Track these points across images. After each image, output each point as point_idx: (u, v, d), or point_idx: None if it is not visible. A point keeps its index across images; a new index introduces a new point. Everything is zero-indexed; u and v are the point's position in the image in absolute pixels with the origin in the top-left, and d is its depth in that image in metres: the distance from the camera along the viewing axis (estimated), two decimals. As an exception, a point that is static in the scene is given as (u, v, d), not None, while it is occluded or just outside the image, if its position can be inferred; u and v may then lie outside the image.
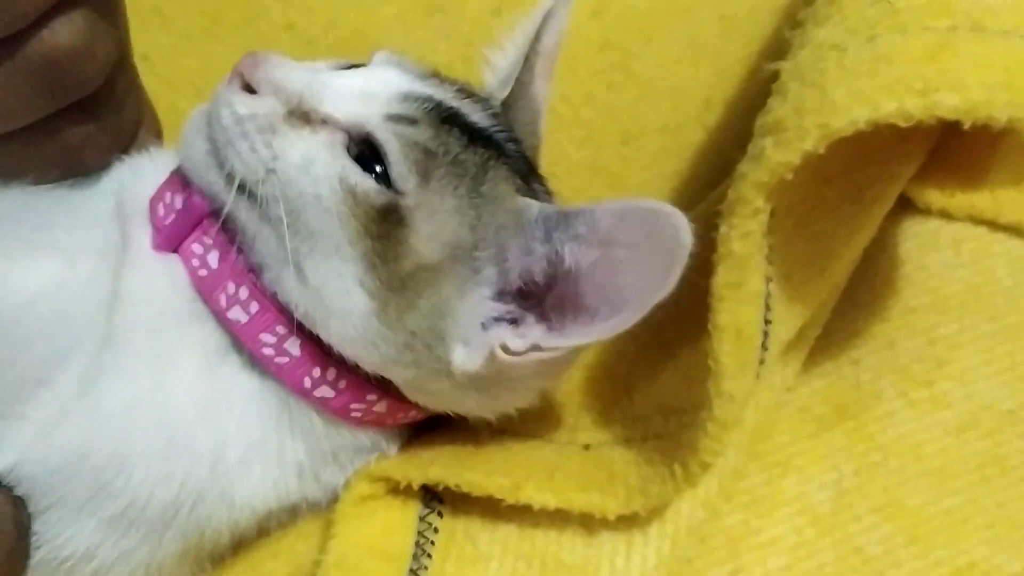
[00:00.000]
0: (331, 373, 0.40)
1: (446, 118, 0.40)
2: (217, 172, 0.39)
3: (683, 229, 0.34)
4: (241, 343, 0.40)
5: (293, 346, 0.40)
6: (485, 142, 0.41)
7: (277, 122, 0.39)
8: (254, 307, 0.40)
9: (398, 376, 0.41)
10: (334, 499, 0.44)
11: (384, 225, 0.38)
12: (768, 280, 0.39)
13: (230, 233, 0.40)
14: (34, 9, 0.36)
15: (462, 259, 0.39)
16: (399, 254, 0.38)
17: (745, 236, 0.35)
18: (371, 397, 0.41)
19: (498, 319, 0.40)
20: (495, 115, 0.44)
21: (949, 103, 0.31)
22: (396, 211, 0.38)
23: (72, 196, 0.43)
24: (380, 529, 0.43)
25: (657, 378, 0.46)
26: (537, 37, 0.48)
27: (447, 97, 0.42)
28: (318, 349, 0.40)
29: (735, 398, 0.37)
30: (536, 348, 0.39)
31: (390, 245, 0.38)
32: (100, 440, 0.39)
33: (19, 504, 0.39)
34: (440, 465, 0.43)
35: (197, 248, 0.41)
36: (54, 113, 0.40)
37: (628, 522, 0.42)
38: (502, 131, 0.43)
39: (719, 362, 0.37)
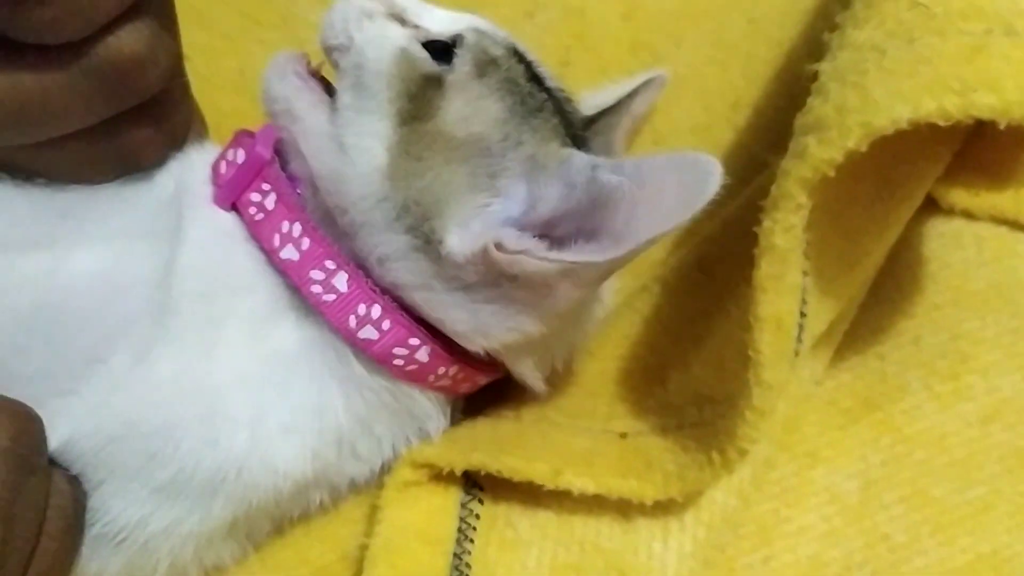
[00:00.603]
0: (376, 311, 0.41)
1: (521, 58, 0.44)
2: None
3: (716, 178, 0.36)
4: (291, 282, 0.42)
5: (340, 282, 0.41)
6: (548, 94, 0.44)
7: (376, 13, 0.43)
8: (305, 243, 0.41)
9: (401, 265, 0.41)
10: (371, 479, 0.46)
11: (424, 89, 0.42)
12: (804, 274, 0.40)
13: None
14: (103, 16, 0.38)
15: (484, 156, 0.41)
16: (426, 115, 0.41)
17: (787, 230, 0.36)
18: (414, 341, 0.42)
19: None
20: (562, 89, 0.46)
21: (986, 103, 0.33)
22: (439, 81, 0.42)
23: (125, 190, 0.44)
24: (424, 514, 0.45)
25: (690, 369, 0.48)
26: (632, 96, 0.53)
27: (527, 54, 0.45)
28: (364, 285, 0.41)
29: (773, 387, 0.39)
30: (528, 254, 0.39)
31: (422, 106, 0.42)
32: (149, 409, 0.40)
33: (75, 482, 0.40)
34: (481, 451, 0.45)
35: (255, 196, 0.43)
36: (115, 116, 0.41)
37: (664, 509, 0.44)
38: (566, 96, 0.46)
39: (760, 352, 0.38)
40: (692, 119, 0.58)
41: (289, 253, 0.42)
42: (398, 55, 0.42)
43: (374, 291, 0.41)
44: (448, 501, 0.46)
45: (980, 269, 0.51)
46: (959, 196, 0.51)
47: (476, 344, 0.42)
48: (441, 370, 0.43)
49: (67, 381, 0.40)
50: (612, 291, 0.50)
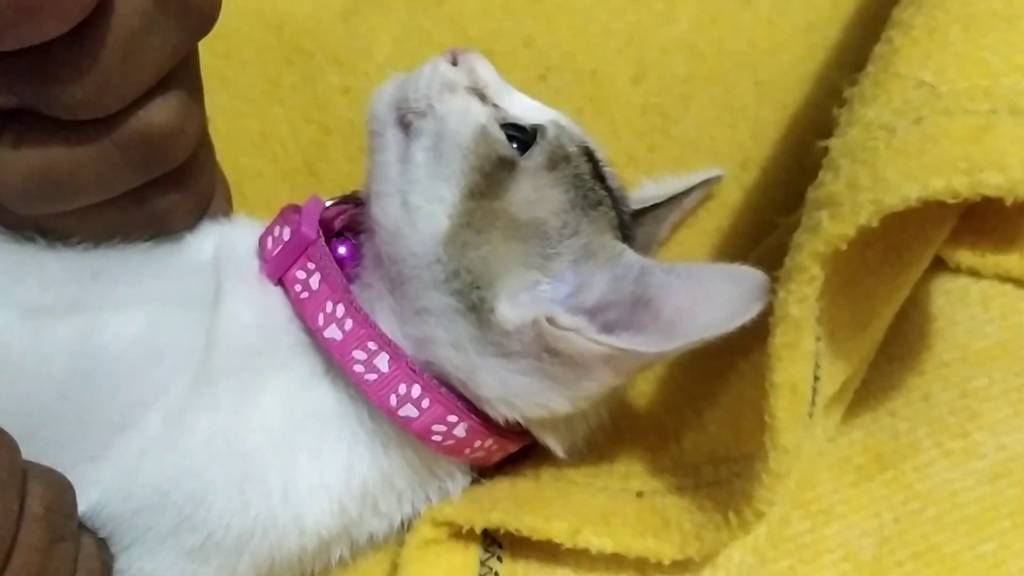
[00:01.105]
0: (416, 390, 0.42)
1: (591, 156, 0.46)
2: (391, 113, 0.46)
3: (766, 293, 0.39)
4: (334, 361, 0.43)
5: (382, 362, 0.42)
6: (608, 191, 0.46)
7: (459, 86, 0.45)
8: (348, 324, 0.43)
9: (438, 321, 0.43)
10: (391, 535, 0.47)
11: (497, 169, 0.43)
12: (817, 339, 0.41)
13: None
14: (134, 92, 0.39)
15: (541, 239, 0.43)
16: (494, 194, 0.43)
17: (801, 301, 0.37)
18: (452, 418, 0.43)
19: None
20: (621, 188, 0.48)
21: (993, 182, 0.34)
22: (512, 165, 0.44)
23: (158, 250, 0.46)
24: (444, 572, 0.46)
25: (706, 428, 0.49)
26: (687, 192, 0.55)
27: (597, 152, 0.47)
28: (404, 366, 0.43)
29: (789, 450, 0.40)
30: (579, 332, 0.41)
31: (492, 184, 0.43)
32: (180, 475, 0.41)
33: (103, 545, 0.41)
34: (501, 510, 0.46)
35: (300, 274, 0.44)
36: (144, 183, 0.42)
37: (682, 568, 0.44)
38: (623, 194, 0.48)
39: (775, 417, 0.39)
40: (702, 180, 0.59)
41: (332, 333, 0.43)
42: (479, 132, 0.44)
43: (414, 371, 0.43)
44: (468, 559, 0.46)
45: (987, 326, 0.52)
46: (965, 256, 0.52)
47: (498, 412, 0.43)
48: (477, 443, 0.45)
49: (98, 446, 0.41)
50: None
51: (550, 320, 0.41)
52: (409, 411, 0.42)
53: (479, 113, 0.45)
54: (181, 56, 0.40)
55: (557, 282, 0.42)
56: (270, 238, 0.46)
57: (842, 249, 0.36)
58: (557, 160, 0.45)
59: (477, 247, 0.42)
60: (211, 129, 0.47)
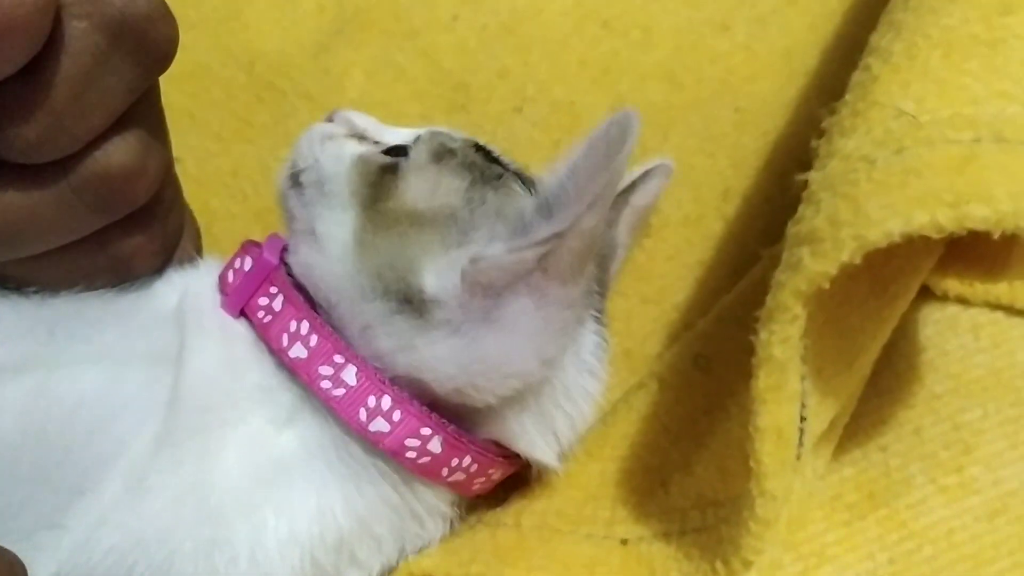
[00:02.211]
0: (386, 402, 0.41)
1: (480, 149, 0.47)
2: (287, 182, 0.47)
3: (634, 125, 0.39)
4: (301, 379, 0.42)
5: (349, 375, 0.41)
6: (508, 171, 0.46)
7: (337, 135, 0.47)
8: (313, 339, 0.42)
9: (382, 330, 0.42)
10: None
11: (382, 178, 0.45)
12: (803, 379, 0.40)
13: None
14: (90, 133, 0.37)
15: (451, 220, 0.43)
16: (387, 197, 0.44)
17: (784, 341, 0.36)
18: (425, 431, 0.41)
19: None
20: (525, 172, 0.48)
21: (979, 215, 0.33)
22: (395, 168, 0.45)
23: (120, 300, 0.44)
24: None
25: (692, 470, 0.47)
26: (631, 188, 0.54)
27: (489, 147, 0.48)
28: (373, 377, 0.41)
29: (777, 496, 0.38)
30: (499, 256, 0.40)
31: (381, 189, 0.44)
32: (145, 543, 0.39)
33: None
34: (481, 563, 0.44)
35: (263, 300, 0.44)
36: (105, 226, 0.41)
37: (672, 613, 0.43)
38: (530, 179, 0.47)
39: (761, 462, 0.38)
40: (682, 210, 0.58)
41: (298, 351, 0.42)
42: (356, 161, 0.45)
43: (383, 382, 0.41)
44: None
45: (978, 356, 0.51)
46: (953, 285, 0.51)
47: (472, 399, 0.42)
48: (455, 462, 0.43)
49: (54, 513, 0.39)
50: (604, 365, 0.48)
51: (473, 261, 0.40)
52: (380, 425, 0.41)
53: (354, 147, 0.47)
54: (138, 94, 0.39)
55: (474, 245, 0.42)
56: (231, 272, 0.45)
57: (824, 287, 0.35)
58: (441, 154, 0.45)
59: (388, 244, 0.43)
60: (180, 170, 0.46)
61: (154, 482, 0.40)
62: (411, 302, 0.41)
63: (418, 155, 0.45)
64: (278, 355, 0.43)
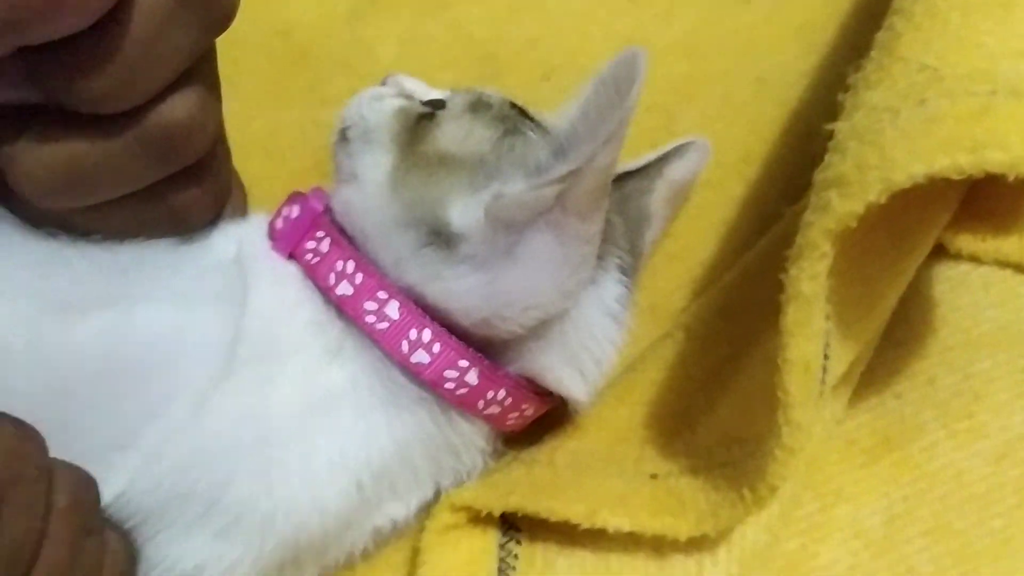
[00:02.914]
0: (426, 335, 0.44)
1: (516, 107, 0.49)
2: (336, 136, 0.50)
3: (641, 61, 0.40)
4: (347, 315, 0.45)
5: (392, 309, 0.44)
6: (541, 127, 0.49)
7: (385, 95, 0.50)
8: (359, 278, 0.45)
9: (413, 261, 0.44)
10: (409, 519, 0.48)
11: (419, 124, 0.48)
12: (827, 318, 0.42)
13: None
14: (155, 87, 0.40)
15: (480, 164, 0.45)
16: (423, 140, 0.47)
17: (813, 278, 0.39)
18: (463, 363, 0.44)
19: None
20: None
21: (996, 159, 0.35)
22: (432, 117, 0.48)
23: (182, 250, 0.47)
24: (465, 557, 0.47)
25: (717, 412, 0.50)
26: (663, 160, 0.55)
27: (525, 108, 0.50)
28: (415, 312, 0.44)
29: (802, 426, 0.41)
30: (521, 193, 0.43)
31: (418, 135, 0.47)
32: (208, 460, 0.42)
33: (127, 536, 0.42)
34: (519, 494, 0.46)
35: (311, 244, 0.46)
36: (164, 178, 0.43)
37: (698, 545, 0.45)
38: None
39: (788, 393, 0.40)
40: (705, 174, 0.60)
41: (344, 289, 0.45)
42: (396, 111, 0.48)
43: (424, 317, 0.44)
44: (487, 543, 0.47)
45: (988, 311, 0.54)
46: (966, 241, 0.53)
47: (499, 330, 0.44)
48: (490, 394, 0.45)
49: (126, 435, 0.42)
50: (627, 313, 0.50)
51: (495, 198, 0.43)
52: (421, 357, 0.44)
53: (398, 101, 0.49)
54: (201, 52, 0.41)
55: (497, 184, 0.44)
56: (279, 219, 0.48)
57: (852, 227, 0.37)
58: (476, 105, 0.48)
59: (420, 181, 0.45)
60: None
61: (216, 405, 0.42)
62: (439, 235, 0.44)
63: (455, 105, 0.48)
64: (326, 293, 0.45)
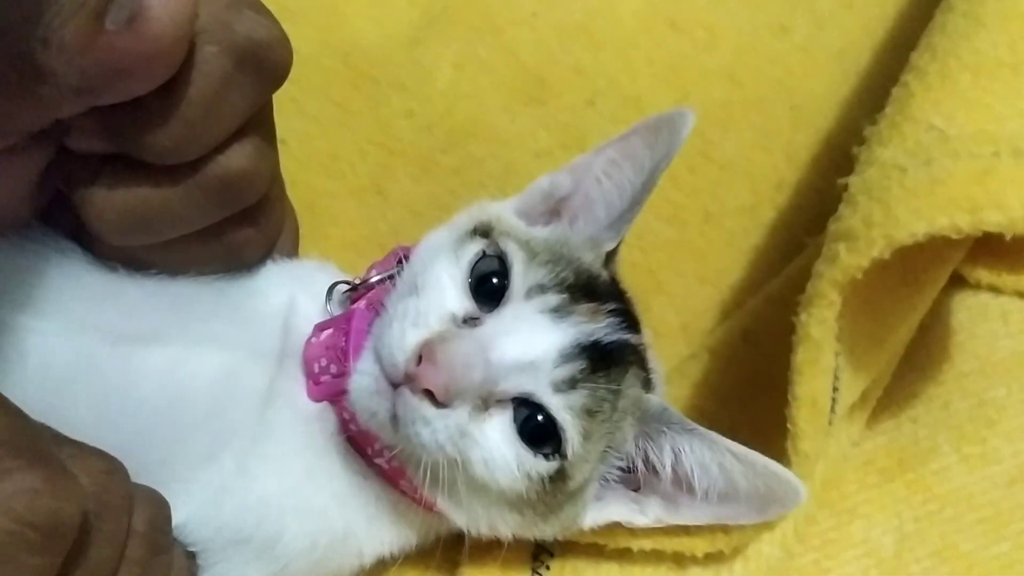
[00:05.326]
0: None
1: (588, 348, 0.45)
2: (394, 434, 0.44)
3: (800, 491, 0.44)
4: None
5: None
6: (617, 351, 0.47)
7: (464, 425, 0.44)
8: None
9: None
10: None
11: (547, 484, 0.45)
12: (837, 355, 0.45)
13: None
14: (216, 140, 0.42)
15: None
16: (555, 493, 0.46)
17: (821, 323, 0.42)
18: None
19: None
20: (613, 311, 0.48)
21: (993, 220, 0.38)
22: (561, 471, 0.45)
23: (230, 289, 0.49)
24: (500, 569, 0.50)
25: (736, 431, 0.53)
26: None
27: (586, 331, 0.46)
28: None
29: (809, 456, 0.44)
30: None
31: (548, 495, 0.46)
32: (261, 519, 0.46)
33: (191, 558, 0.46)
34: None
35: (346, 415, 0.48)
36: (222, 220, 0.46)
37: (715, 560, 0.49)
38: (623, 321, 0.48)
39: (797, 426, 0.44)
40: (739, 200, 0.63)
41: (380, 461, 0.48)
42: (517, 475, 0.44)
43: None
44: (521, 556, 0.51)
45: (1005, 340, 0.56)
46: (983, 274, 0.55)
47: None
48: None
49: (185, 470, 0.46)
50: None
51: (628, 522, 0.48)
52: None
53: (505, 455, 0.44)
54: (257, 108, 0.44)
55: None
56: (316, 365, 0.49)
57: (858, 278, 0.40)
58: (587, 427, 0.45)
59: (555, 507, 0.47)
60: (285, 151, 0.50)
61: (261, 470, 0.46)
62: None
63: (575, 446, 0.45)
64: (364, 458, 0.48)
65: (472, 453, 0.44)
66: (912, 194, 0.40)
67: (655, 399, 0.48)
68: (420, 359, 0.42)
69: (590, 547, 0.49)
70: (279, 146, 0.49)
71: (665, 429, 0.46)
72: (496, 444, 0.44)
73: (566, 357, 0.44)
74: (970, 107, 0.42)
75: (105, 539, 0.37)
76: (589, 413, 0.45)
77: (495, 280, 0.46)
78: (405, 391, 0.43)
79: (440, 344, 0.43)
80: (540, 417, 0.44)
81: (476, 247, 0.47)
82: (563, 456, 0.44)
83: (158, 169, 0.42)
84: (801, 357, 0.42)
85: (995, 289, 0.57)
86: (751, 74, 0.68)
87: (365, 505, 0.48)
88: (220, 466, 0.46)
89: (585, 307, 0.46)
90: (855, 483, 0.53)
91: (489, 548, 0.50)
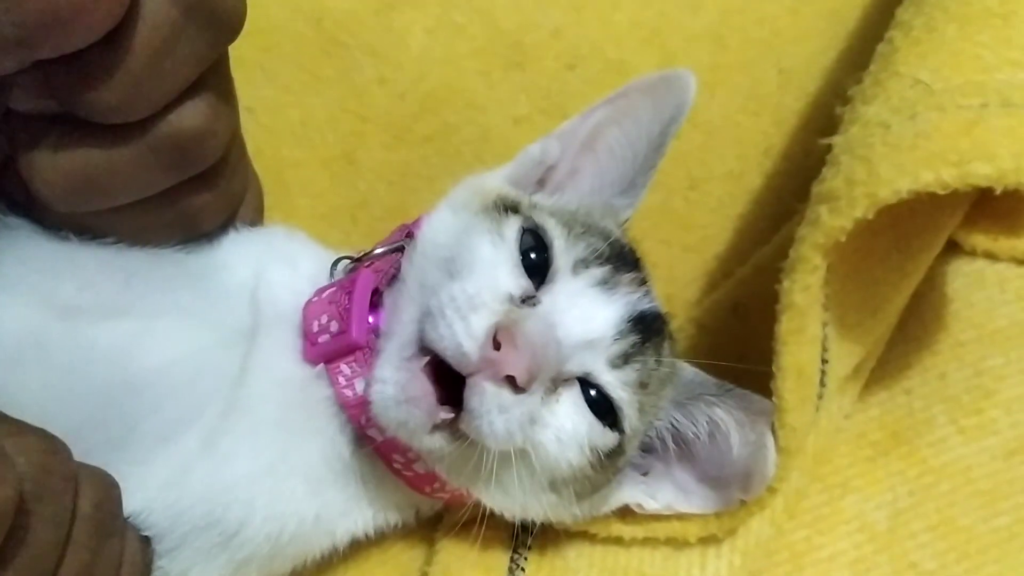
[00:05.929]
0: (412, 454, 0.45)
1: (635, 320, 0.45)
2: (427, 440, 0.42)
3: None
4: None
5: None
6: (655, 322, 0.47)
7: (537, 410, 0.42)
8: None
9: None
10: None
11: (603, 459, 0.44)
12: (825, 325, 0.43)
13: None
14: (164, 98, 0.41)
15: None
16: (604, 470, 0.45)
17: (805, 289, 0.40)
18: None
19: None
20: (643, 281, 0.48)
21: (981, 172, 0.36)
22: (620, 445, 0.45)
23: (191, 261, 0.47)
24: (479, 545, 0.49)
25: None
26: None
27: (632, 302, 0.45)
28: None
29: (796, 430, 0.42)
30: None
31: (598, 473, 0.45)
32: (229, 503, 0.44)
33: (145, 542, 0.43)
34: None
35: (346, 369, 0.46)
36: (176, 184, 0.44)
37: (703, 539, 0.47)
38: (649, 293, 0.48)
39: (782, 398, 0.42)
40: (726, 166, 0.61)
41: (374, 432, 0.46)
42: (587, 451, 0.44)
43: None
44: (501, 533, 0.49)
45: (1003, 308, 0.53)
46: (980, 240, 0.53)
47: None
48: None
49: (142, 453, 0.44)
50: None
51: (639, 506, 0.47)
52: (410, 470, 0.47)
53: (575, 433, 0.44)
54: (209, 63, 0.42)
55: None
56: (316, 322, 0.47)
57: (841, 240, 0.38)
58: (642, 402, 0.46)
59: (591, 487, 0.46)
60: (253, 120, 0.48)
61: (229, 448, 0.44)
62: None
63: (633, 421, 0.45)
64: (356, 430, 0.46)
65: (542, 435, 0.42)
66: (895, 150, 0.37)
67: (688, 367, 0.47)
68: (495, 344, 0.40)
69: (576, 535, 0.48)
70: (246, 114, 0.47)
71: (706, 397, 0.46)
72: (570, 422, 0.43)
73: (621, 332, 0.44)
74: (957, 59, 0.40)
75: (47, 522, 0.35)
76: (642, 386, 0.45)
77: (533, 256, 0.45)
78: (480, 381, 0.40)
79: (517, 326, 0.40)
80: (593, 393, 0.44)
81: (515, 223, 0.46)
82: (621, 431, 0.44)
83: (105, 129, 0.41)
84: (785, 326, 0.40)
85: (991, 256, 0.54)
86: (737, 36, 0.66)
87: (345, 486, 0.46)
88: (181, 447, 0.44)
89: (627, 277, 0.46)
90: (847, 457, 0.51)
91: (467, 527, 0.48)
